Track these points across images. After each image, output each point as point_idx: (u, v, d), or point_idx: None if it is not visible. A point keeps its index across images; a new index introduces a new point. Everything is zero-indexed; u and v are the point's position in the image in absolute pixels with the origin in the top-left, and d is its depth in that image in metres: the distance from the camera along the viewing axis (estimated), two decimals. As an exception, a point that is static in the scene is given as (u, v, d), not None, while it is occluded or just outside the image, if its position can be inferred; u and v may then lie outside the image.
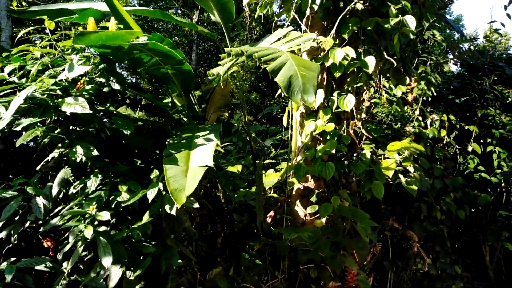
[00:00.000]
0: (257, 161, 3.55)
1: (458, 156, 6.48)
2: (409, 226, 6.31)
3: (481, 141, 6.54)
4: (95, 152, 2.33)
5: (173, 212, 2.11)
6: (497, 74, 6.57)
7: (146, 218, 2.16)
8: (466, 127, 6.43)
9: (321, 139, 4.23)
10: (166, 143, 2.44)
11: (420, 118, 6.42)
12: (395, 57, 4.47)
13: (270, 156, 4.64)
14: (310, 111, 4.27)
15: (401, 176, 4.14)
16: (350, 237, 4.44)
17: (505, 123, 6.28)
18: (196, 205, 2.20)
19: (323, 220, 4.09)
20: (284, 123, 4.33)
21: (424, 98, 6.29)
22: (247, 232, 3.64)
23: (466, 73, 7.16)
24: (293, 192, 4.30)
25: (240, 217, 3.69)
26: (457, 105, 6.40)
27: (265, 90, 12.89)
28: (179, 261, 2.25)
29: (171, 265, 2.22)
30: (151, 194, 2.11)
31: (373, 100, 6.26)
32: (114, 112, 2.82)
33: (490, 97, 6.45)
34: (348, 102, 3.96)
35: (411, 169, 4.00)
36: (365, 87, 4.06)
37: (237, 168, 4.10)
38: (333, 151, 4.25)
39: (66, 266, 2.57)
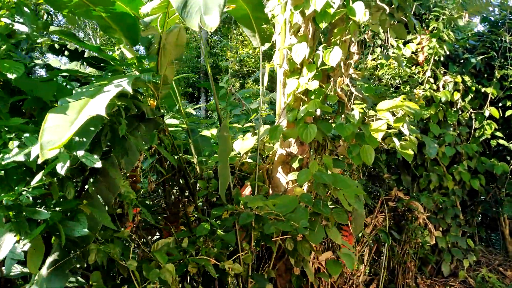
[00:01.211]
0: (223, 122, 3.08)
1: (473, 122, 5.78)
2: (418, 197, 5.76)
3: (500, 104, 5.81)
4: (-24, 104, 1.95)
5: (62, 172, 1.70)
6: (521, 29, 5.76)
7: (37, 179, 1.77)
8: (483, 90, 5.69)
9: (306, 99, 3.72)
10: (73, 91, 2.03)
11: (431, 80, 5.73)
12: (392, 6, 3.85)
13: (249, 120, 4.16)
14: (294, 68, 3.75)
15: (396, 140, 3.59)
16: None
17: (528, 85, 5.52)
18: (98, 164, 1.77)
19: (305, 188, 3.63)
20: (265, 83, 3.83)
21: (436, 57, 5.59)
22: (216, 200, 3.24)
23: (487, 31, 6.34)
24: (276, 158, 3.84)
25: (205, 184, 3.28)
26: (473, 65, 5.66)
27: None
28: (85, 230, 1.86)
29: (73, 235, 1.85)
30: (35, 150, 1.70)
31: (379, 61, 5.63)
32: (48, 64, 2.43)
33: (511, 55, 5.67)
34: (333, 56, 3.41)
35: (405, 131, 3.44)
36: (352, 39, 3.48)
37: (211, 132, 3.66)
38: (318, 112, 3.75)
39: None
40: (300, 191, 3.45)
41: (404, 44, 5.73)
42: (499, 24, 5.98)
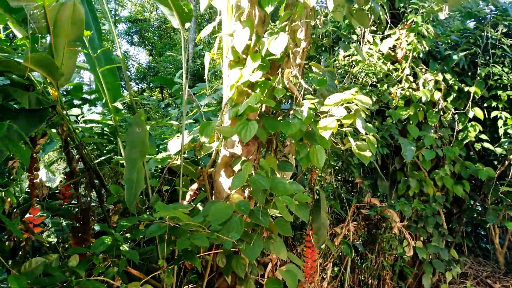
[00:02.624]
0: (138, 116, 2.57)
1: (456, 123, 5.22)
2: (395, 204, 5.19)
3: (485, 105, 5.25)
4: None
5: None
6: (507, 25, 5.20)
7: None
8: (466, 89, 5.14)
9: (252, 93, 3.20)
10: None
11: (411, 78, 5.19)
12: (353, -10, 3.33)
13: (189, 116, 3.64)
14: (238, 58, 3.24)
15: (351, 140, 3.07)
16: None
17: (514, 83, 4.95)
18: None
19: (246, 193, 3.11)
20: (206, 75, 3.32)
21: (415, 54, 5.06)
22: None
23: (473, 27, 5.78)
24: (219, 160, 3.32)
25: (119, 189, 2.76)
26: (455, 63, 5.11)
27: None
28: None
29: None
30: None
31: (353, 58, 5.09)
32: None
33: (497, 52, 5.12)
34: (278, 44, 2.90)
35: (361, 130, 2.91)
36: (299, 23, 2.96)
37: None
38: (263, 108, 3.24)
39: None
40: (238, 198, 2.93)
41: (382, 40, 5.21)
42: (483, 19, 5.43)
